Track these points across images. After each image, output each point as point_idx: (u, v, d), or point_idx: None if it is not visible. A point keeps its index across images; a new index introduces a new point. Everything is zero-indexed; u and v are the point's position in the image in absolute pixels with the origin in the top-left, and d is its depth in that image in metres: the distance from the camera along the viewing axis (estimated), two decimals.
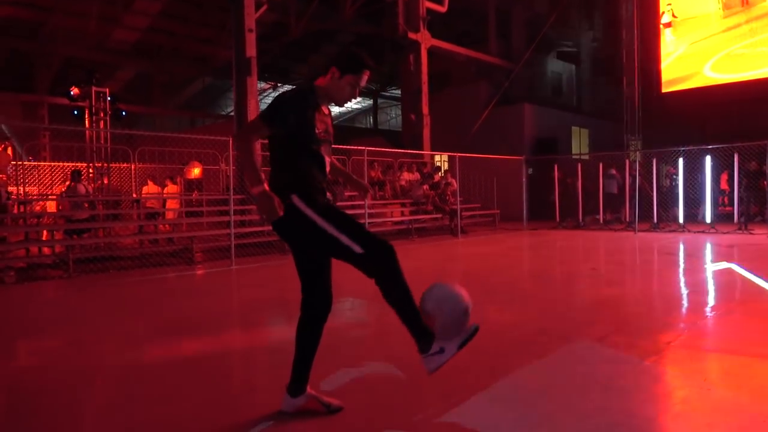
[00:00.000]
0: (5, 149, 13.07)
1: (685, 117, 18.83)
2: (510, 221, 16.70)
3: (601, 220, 15.64)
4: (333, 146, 2.77)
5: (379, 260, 2.45)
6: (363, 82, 2.63)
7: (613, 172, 15.65)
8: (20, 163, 11.28)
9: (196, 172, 14.74)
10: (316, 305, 2.69)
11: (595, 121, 24.06)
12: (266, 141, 2.67)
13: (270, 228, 2.68)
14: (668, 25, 19.62)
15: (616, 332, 4.23)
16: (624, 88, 20.26)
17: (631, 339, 4.03)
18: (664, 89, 19.86)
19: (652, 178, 14.18)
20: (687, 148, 13.84)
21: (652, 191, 14.41)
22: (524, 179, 16.07)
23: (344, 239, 2.45)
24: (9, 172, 11.37)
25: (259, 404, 2.90)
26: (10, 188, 10.43)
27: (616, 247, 10.73)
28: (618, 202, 15.73)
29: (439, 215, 14.78)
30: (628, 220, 14.88)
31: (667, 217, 14.64)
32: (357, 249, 2.44)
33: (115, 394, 3.21)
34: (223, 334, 4.60)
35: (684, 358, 3.66)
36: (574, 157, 19.85)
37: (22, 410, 2.98)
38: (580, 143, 23.50)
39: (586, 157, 19.99)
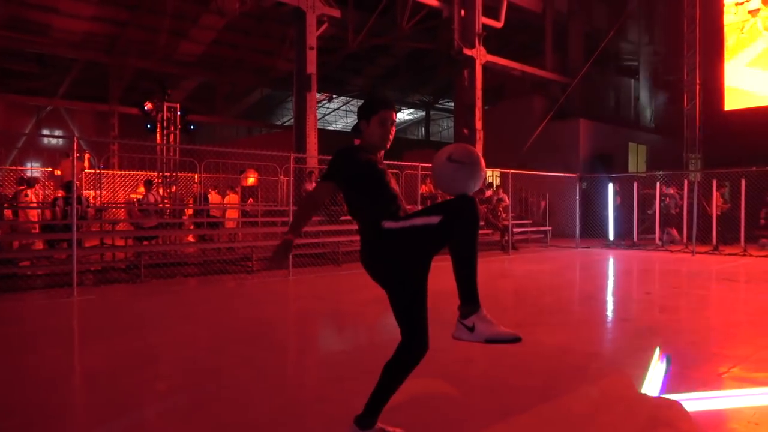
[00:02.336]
0: (80, 158, 14.04)
1: (749, 136, 18.23)
2: (562, 238, 16.57)
3: (657, 240, 15.33)
4: (386, 161, 2.85)
5: (456, 215, 2.41)
6: (390, 119, 2.69)
7: (671, 191, 15.34)
8: (98, 171, 12.07)
9: (251, 180, 15.34)
10: (415, 350, 2.67)
11: (653, 137, 23.55)
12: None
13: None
14: (755, 12, 18.63)
15: (667, 361, 4.29)
16: (685, 104, 19.81)
17: (682, 369, 4.10)
18: (728, 105, 19.27)
19: (712, 199, 13.84)
20: (750, 170, 13.45)
21: (712, 212, 14.05)
22: (578, 196, 15.94)
23: (419, 221, 2.47)
24: (83, 179, 12.24)
25: (327, 413, 3.17)
26: (85, 193, 11.20)
27: (671, 270, 10.56)
28: (675, 222, 15.39)
29: (489, 231, 14.85)
30: (685, 241, 14.54)
31: (727, 240, 14.23)
32: (434, 220, 2.42)
33: (197, 396, 3.55)
34: (287, 343, 4.93)
35: (734, 391, 3.72)
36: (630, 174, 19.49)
37: (112, 408, 3.35)
38: (637, 160, 23.03)
39: (643, 174, 19.61)
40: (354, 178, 2.65)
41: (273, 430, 3.01)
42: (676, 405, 3.35)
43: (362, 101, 2.85)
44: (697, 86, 19.49)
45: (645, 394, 3.56)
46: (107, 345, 4.79)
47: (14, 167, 19.16)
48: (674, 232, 15.46)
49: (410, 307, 2.63)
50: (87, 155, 14.11)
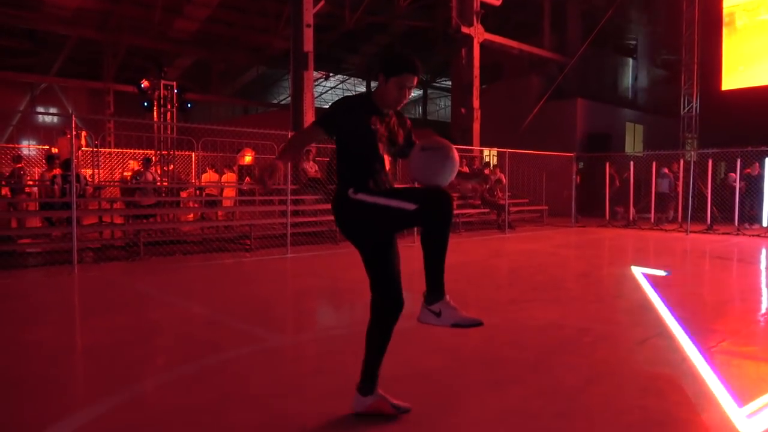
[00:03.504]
0: (78, 136, 13.98)
1: (746, 116, 18.23)
2: (558, 217, 16.67)
3: (652, 220, 15.44)
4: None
5: (431, 209, 2.47)
6: (410, 84, 2.67)
7: (665, 170, 15.40)
8: (96, 150, 12.06)
9: (248, 159, 15.32)
10: (387, 306, 2.75)
11: (650, 117, 23.54)
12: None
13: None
14: None
15: (659, 336, 4.40)
16: (682, 84, 19.78)
17: (672, 343, 4.20)
18: (725, 84, 19.23)
19: (707, 178, 13.92)
20: (746, 149, 13.51)
21: (707, 191, 14.14)
22: (574, 175, 16.00)
23: (394, 203, 2.51)
24: (80, 157, 12.20)
25: (326, 384, 3.26)
26: (83, 171, 11.18)
27: (665, 249, 10.68)
28: (669, 201, 15.49)
29: (486, 210, 14.92)
30: (680, 220, 14.65)
31: (720, 219, 14.35)
32: (409, 206, 2.48)
33: (197, 369, 3.63)
34: (285, 318, 5.01)
35: (723, 363, 3.82)
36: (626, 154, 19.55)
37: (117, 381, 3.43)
38: (634, 139, 23.05)
39: (639, 153, 19.64)
40: (342, 132, 2.68)
41: (274, 400, 3.09)
42: (666, 376, 3.45)
43: (377, 62, 2.81)
44: (695, 65, 19.44)
45: (636, 367, 3.66)
46: (108, 320, 4.86)
47: (10, 145, 19.07)
48: (619, 209, 15.77)
49: (376, 265, 2.71)
50: (84, 133, 14.03)
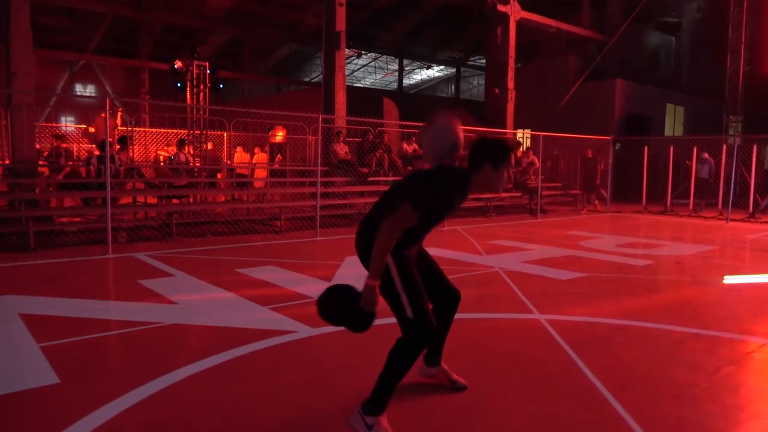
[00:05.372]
0: (115, 116, 14.20)
1: None
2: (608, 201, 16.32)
3: (691, 207, 14.99)
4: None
5: (414, 335, 2.65)
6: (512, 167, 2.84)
7: (706, 156, 14.88)
8: (131, 129, 12.23)
9: (279, 136, 15.37)
10: (442, 301, 3.11)
11: (692, 98, 22.72)
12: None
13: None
14: None
15: (695, 337, 4.26)
16: (728, 64, 18.98)
17: (709, 345, 4.06)
18: None
19: (751, 164, 13.40)
20: None
21: (751, 178, 13.63)
22: (611, 159, 15.59)
23: (404, 297, 2.68)
24: (115, 137, 12.41)
25: (355, 378, 3.26)
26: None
27: (704, 238, 10.35)
28: (710, 188, 14.99)
29: (518, 194, 14.70)
30: (719, 207, 14.17)
31: (764, 208, 13.84)
32: (408, 312, 2.66)
33: (227, 360, 3.66)
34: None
35: (764, 369, 3.68)
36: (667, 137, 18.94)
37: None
38: (674, 122, 22.31)
39: (680, 137, 19.02)
40: (433, 208, 2.70)
41: (299, 396, 3.10)
42: (703, 383, 3.33)
43: (483, 143, 2.80)
44: (743, 46, 18.60)
45: (671, 371, 3.55)
46: (142, 302, 4.95)
47: (49, 123, 19.53)
48: (603, 192, 15.23)
49: (398, 301, 2.71)
50: (119, 112, 14.24)
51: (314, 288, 5.60)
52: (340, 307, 2.65)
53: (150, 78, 26.45)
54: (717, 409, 3.03)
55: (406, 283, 2.70)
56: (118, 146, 10.80)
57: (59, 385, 3.20)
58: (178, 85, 11.92)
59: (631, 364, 3.68)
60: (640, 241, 9.84)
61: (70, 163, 11.06)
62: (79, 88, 32.85)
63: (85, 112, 21.36)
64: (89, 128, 15.73)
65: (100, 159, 8.94)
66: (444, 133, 2.82)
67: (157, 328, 4.32)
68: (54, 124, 19.22)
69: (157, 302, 5.05)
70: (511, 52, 17.23)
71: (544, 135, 13.78)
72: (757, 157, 13.47)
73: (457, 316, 3.24)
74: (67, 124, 22.57)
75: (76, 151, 12.18)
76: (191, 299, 5.22)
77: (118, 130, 13.93)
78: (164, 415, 2.87)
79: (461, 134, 2.85)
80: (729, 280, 6.48)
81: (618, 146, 17.01)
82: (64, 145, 11.07)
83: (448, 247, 8.41)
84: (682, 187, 16.02)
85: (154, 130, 14.47)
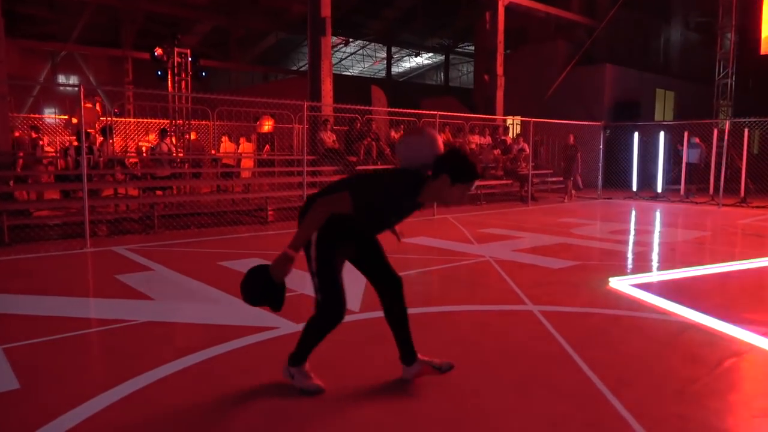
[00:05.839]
0: (94, 105, 13.83)
1: None
2: (583, 189, 16.20)
3: (682, 192, 14.89)
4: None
5: (322, 314, 2.81)
6: (471, 188, 2.74)
7: (696, 140, 14.76)
8: (111, 119, 11.89)
9: (267, 126, 15.08)
10: (385, 288, 2.98)
11: (682, 83, 22.61)
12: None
13: None
14: None
15: (693, 328, 4.09)
16: (718, 48, 18.83)
17: (709, 336, 3.90)
18: (764, 49, 18.27)
19: (742, 149, 13.30)
20: None
21: (741, 163, 13.54)
22: (601, 146, 15.44)
23: (316, 281, 2.78)
24: (97, 127, 12.09)
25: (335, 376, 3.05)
26: (99, 140, 11.05)
27: (696, 223, 10.23)
28: (701, 173, 14.90)
29: (508, 181, 14.53)
30: (711, 192, 14.08)
31: (754, 192, 13.77)
32: (318, 296, 2.79)
33: (220, 355, 3.45)
34: (300, 303, 4.79)
35: (762, 362, 3.52)
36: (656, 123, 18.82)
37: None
38: (664, 107, 22.20)
39: (670, 122, 18.90)
40: (371, 203, 2.67)
41: (276, 398, 2.90)
42: (703, 378, 3.17)
43: (453, 161, 2.71)
44: (733, 29, 18.45)
45: (672, 365, 3.38)
46: (111, 303, 4.72)
47: (31, 115, 19.09)
48: (578, 178, 14.98)
49: (313, 282, 2.81)
50: (98, 101, 13.86)
51: (298, 281, 5.38)
52: (262, 286, 2.68)
53: (134, 68, 25.97)
54: (720, 405, 2.87)
55: (321, 269, 2.75)
56: (101, 138, 10.51)
57: (18, 391, 2.97)
58: (159, 73, 11.57)
59: (629, 357, 3.50)
60: (631, 228, 9.70)
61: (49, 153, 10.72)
62: (62, 79, 32.20)
63: (70, 102, 20.87)
64: (71, 119, 15.35)
65: (78, 150, 8.63)
66: (424, 147, 2.77)
67: (129, 326, 4.09)
68: (35, 115, 18.79)
69: (132, 298, 4.81)
70: (500, 37, 17.00)
71: (534, 121, 13.59)
72: (748, 141, 13.36)
73: (446, 308, 3.09)
74: (49, 115, 22.10)
75: (58, 143, 11.84)
76: (168, 295, 4.99)
77: (100, 120, 13.59)
78: (130, 422, 2.65)
79: (439, 153, 2.77)
80: (721, 267, 6.34)
81: (608, 132, 16.87)
82: (35, 136, 10.71)
83: (437, 236, 8.22)
84: (674, 172, 15.93)
85: (135, 120, 14.12)
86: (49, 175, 10.01)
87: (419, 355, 3.06)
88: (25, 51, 27.29)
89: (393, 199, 2.69)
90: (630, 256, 7.17)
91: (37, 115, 19.33)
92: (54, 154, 11.47)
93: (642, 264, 6.55)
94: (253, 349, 3.63)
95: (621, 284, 5.36)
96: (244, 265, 6.13)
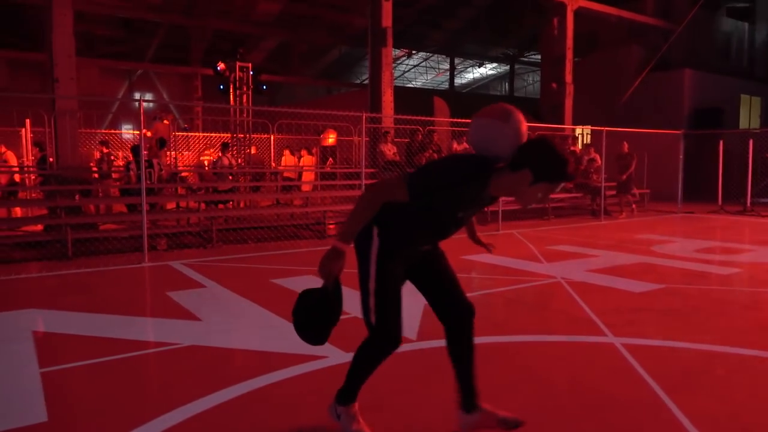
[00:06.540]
0: (161, 120, 14.15)
1: None
2: (661, 202, 15.14)
3: None
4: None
5: (374, 340, 2.41)
6: (556, 188, 2.26)
7: None
8: (179, 134, 12.09)
9: (331, 139, 14.99)
10: (452, 315, 2.56)
11: None
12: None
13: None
14: None
15: None
16: None
17: None
18: None
19: None
20: None
21: None
22: (681, 156, 14.37)
23: (372, 301, 2.36)
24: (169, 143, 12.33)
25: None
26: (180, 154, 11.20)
27: None
28: None
29: (579, 194, 13.73)
30: None
31: None
32: (371, 318, 2.37)
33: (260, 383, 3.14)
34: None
35: None
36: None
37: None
38: (750, 114, 20.62)
39: (756, 130, 17.48)
40: (429, 188, 2.24)
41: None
42: None
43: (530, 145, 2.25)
44: None
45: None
46: (164, 318, 4.53)
47: (110, 131, 19.90)
48: (635, 193, 13.48)
49: (366, 301, 2.40)
50: (169, 116, 14.17)
51: (351, 302, 5.04)
52: (312, 306, 2.36)
53: (202, 84, 26.78)
54: None
55: (381, 288, 2.35)
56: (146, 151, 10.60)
57: (44, 425, 2.76)
58: (221, 87, 11.69)
59: (739, 407, 2.92)
60: (720, 246, 8.80)
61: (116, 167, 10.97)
62: (138, 96, 33.74)
63: (145, 118, 21.70)
64: (146, 132, 15.82)
65: (140, 164, 8.71)
66: (505, 138, 2.23)
67: (173, 350, 3.86)
68: (113, 131, 19.54)
69: (180, 318, 4.61)
70: (569, 43, 16.25)
71: (606, 130, 12.78)
72: None
73: (511, 338, 2.67)
74: (127, 131, 23.02)
75: (122, 157, 12.17)
76: (216, 315, 4.75)
77: (170, 136, 13.87)
78: None
79: (522, 141, 2.26)
80: None
81: (687, 141, 15.71)
82: (105, 151, 11.01)
83: (502, 253, 7.67)
84: (763, 184, 14.63)
85: (195, 134, 14.35)
86: (114, 189, 10.22)
87: (482, 403, 2.59)
88: (104, 70, 28.78)
89: (455, 186, 2.21)
90: (724, 278, 6.40)
91: (113, 131, 20.12)
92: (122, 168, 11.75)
93: (739, 288, 5.80)
94: (298, 381, 3.29)
95: (716, 312, 4.69)
96: (295, 283, 5.88)
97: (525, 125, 2.27)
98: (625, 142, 13.27)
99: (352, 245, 2.34)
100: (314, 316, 2.36)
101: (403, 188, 2.19)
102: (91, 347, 3.91)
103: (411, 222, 2.34)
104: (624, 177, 13.02)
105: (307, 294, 2.37)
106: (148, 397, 3.13)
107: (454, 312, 2.54)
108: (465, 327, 2.54)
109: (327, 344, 3.80)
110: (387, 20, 12.75)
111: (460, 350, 2.55)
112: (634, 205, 13.51)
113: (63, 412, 2.89)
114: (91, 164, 12.32)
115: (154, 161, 8.87)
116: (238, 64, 11.62)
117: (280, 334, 4.16)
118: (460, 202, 2.30)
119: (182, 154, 12.57)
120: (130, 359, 3.73)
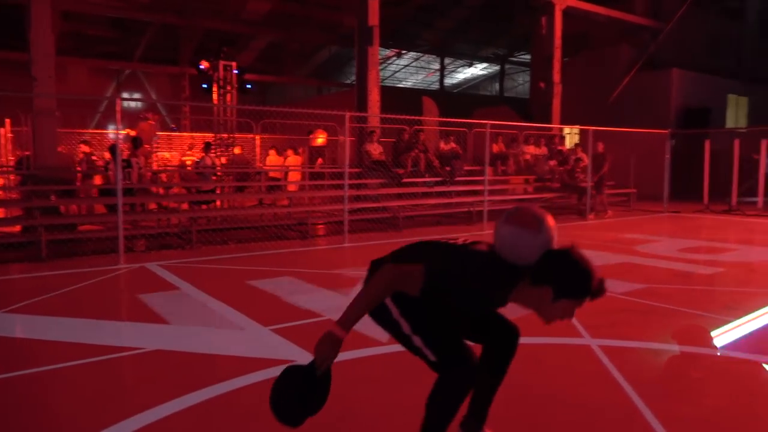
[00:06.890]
0: (146, 120, 13.96)
1: None
2: (647, 201, 15.11)
3: (760, 204, 13.62)
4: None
5: (446, 377, 2.13)
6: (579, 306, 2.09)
7: None
8: (164, 133, 11.91)
9: (321, 139, 14.84)
10: (494, 337, 2.36)
11: (757, 88, 20.99)
12: None
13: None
14: None
15: None
16: None
17: None
18: None
19: None
20: None
21: None
22: (667, 155, 14.35)
23: (418, 340, 2.11)
24: (153, 144, 12.16)
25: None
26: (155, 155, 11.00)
27: None
28: None
29: (565, 193, 13.69)
30: None
31: None
32: (429, 355, 2.11)
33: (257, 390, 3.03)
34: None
35: None
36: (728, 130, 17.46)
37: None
38: (737, 114, 20.67)
39: (743, 129, 17.51)
40: (449, 287, 2.06)
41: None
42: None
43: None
44: None
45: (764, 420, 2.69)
46: (131, 321, 4.40)
47: (97, 131, 19.64)
48: (605, 194, 13.17)
49: (412, 345, 2.16)
50: (153, 116, 13.97)
51: (327, 304, 4.93)
52: (298, 391, 2.00)
53: (190, 84, 26.57)
54: None
55: (416, 325, 2.11)
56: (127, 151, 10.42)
57: None
58: (204, 86, 11.52)
59: (715, 412, 2.84)
60: (704, 245, 8.75)
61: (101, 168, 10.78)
62: (126, 96, 33.46)
63: (132, 118, 21.40)
64: (129, 132, 15.61)
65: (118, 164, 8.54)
66: (531, 248, 2.11)
67: (135, 355, 3.73)
68: (99, 131, 19.28)
69: (147, 321, 4.48)
70: (557, 43, 16.20)
71: (593, 129, 12.73)
72: None
73: None
74: (113, 130, 22.76)
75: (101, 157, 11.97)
76: (186, 318, 4.62)
77: (157, 136, 13.68)
78: None
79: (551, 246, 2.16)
80: None
81: (674, 141, 15.70)
82: (87, 150, 10.82)
83: None
84: (749, 183, 14.63)
85: (180, 134, 14.18)
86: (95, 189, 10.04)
87: (486, 429, 2.44)
88: (93, 70, 28.52)
89: (477, 292, 2.09)
90: (707, 278, 6.33)
91: (104, 131, 19.86)
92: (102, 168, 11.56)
93: (722, 288, 5.73)
94: (262, 387, 3.17)
95: (698, 313, 4.62)
96: (272, 285, 5.76)
97: (555, 232, 2.17)
98: (600, 143, 13.14)
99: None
100: (295, 399, 2.02)
101: (419, 280, 2.02)
102: (50, 352, 3.78)
103: (417, 307, 2.15)
104: (596, 177, 12.90)
105: (293, 372, 2.05)
106: (107, 404, 3.00)
107: (498, 333, 2.36)
108: (508, 349, 2.36)
109: (294, 347, 3.71)
110: (374, 19, 12.63)
111: (493, 372, 2.37)
112: (609, 209, 13.32)
113: (12, 421, 2.76)
114: (76, 164, 12.12)
115: (133, 161, 8.70)
116: (221, 62, 11.45)
117: (246, 338, 4.05)
118: (477, 305, 2.20)
119: (163, 155, 12.35)
120: (90, 365, 3.59)
